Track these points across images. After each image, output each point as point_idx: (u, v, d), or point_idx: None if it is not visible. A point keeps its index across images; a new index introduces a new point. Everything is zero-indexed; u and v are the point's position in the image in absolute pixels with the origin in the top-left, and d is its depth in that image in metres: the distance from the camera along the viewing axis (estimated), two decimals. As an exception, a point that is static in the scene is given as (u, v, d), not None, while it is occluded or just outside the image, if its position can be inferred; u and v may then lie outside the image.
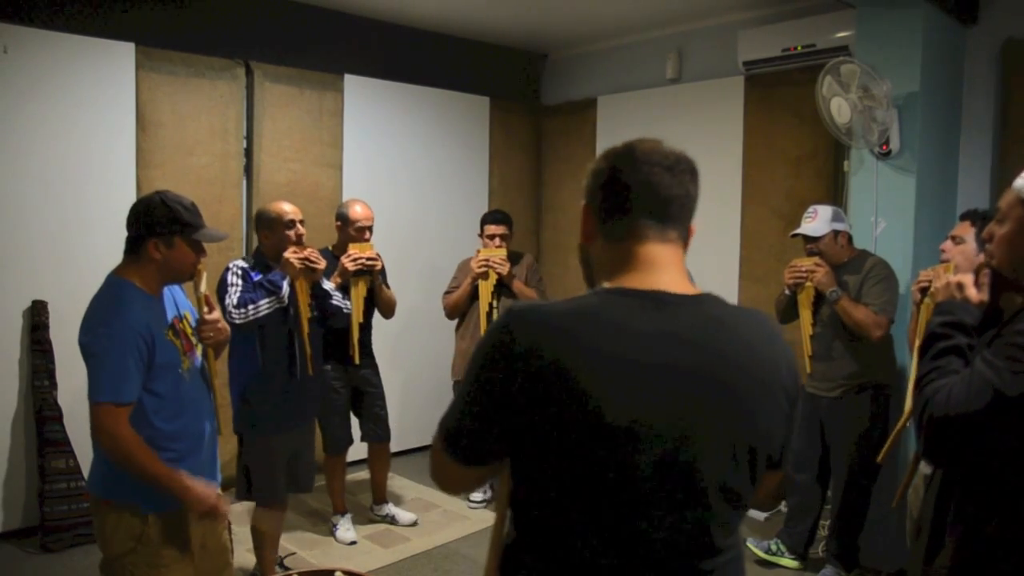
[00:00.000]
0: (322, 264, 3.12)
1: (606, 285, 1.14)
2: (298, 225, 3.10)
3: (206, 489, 2.05)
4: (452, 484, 1.22)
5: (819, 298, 3.31)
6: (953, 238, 2.78)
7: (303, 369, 3.12)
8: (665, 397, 1.04)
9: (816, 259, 3.27)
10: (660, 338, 1.06)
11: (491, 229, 4.04)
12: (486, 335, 1.10)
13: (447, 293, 4.13)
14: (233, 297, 2.97)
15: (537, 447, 1.05)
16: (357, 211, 3.64)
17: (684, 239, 1.18)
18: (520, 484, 1.11)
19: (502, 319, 1.09)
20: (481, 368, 1.08)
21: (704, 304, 1.12)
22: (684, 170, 1.16)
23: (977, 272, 1.52)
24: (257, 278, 3.03)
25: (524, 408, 1.04)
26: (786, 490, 3.67)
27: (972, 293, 1.49)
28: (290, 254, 3.02)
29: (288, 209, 3.11)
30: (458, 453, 1.12)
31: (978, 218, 2.73)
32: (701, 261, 4.18)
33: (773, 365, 1.12)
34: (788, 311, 3.47)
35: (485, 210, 4.61)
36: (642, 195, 1.14)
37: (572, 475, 1.04)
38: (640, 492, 1.04)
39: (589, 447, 1.03)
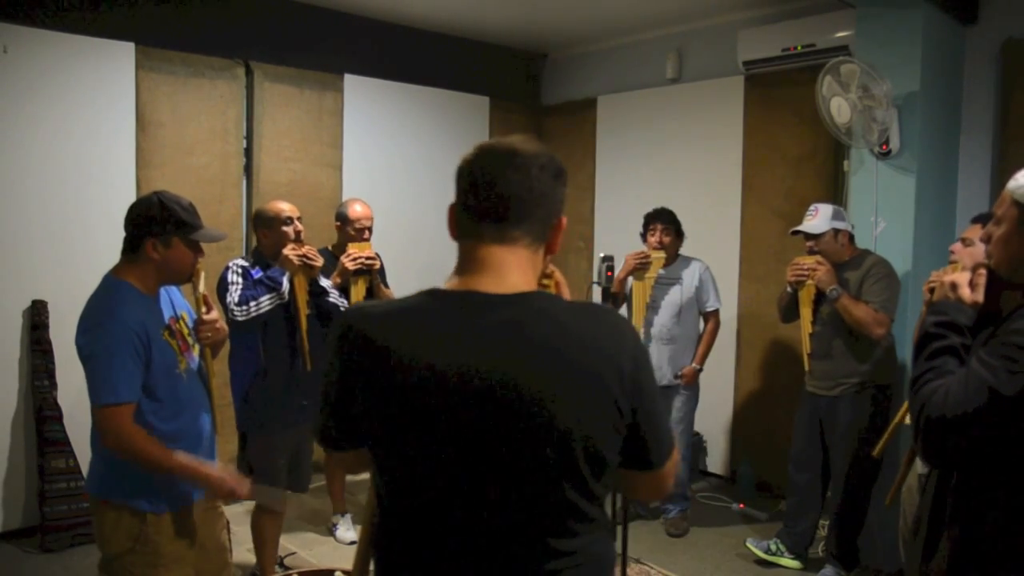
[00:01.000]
0: (319, 260, 3.16)
1: (435, 286, 1.16)
2: (296, 222, 3.13)
3: (221, 474, 2.07)
4: (341, 467, 1.34)
5: (820, 297, 3.31)
6: (963, 240, 2.81)
7: (303, 365, 3.13)
8: (460, 394, 1.06)
9: (818, 257, 3.28)
10: (456, 338, 1.08)
11: None
12: None
13: None
14: (235, 295, 2.98)
15: (365, 431, 1.13)
16: (357, 210, 3.64)
17: (536, 237, 1.16)
18: (375, 467, 1.17)
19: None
20: (327, 366, 1.18)
21: (518, 304, 1.10)
22: (533, 166, 1.13)
23: (972, 272, 1.52)
24: (257, 275, 3.05)
25: (349, 391, 1.12)
26: (786, 490, 3.68)
27: (965, 293, 1.50)
28: (289, 251, 3.05)
29: (285, 207, 3.15)
30: (319, 441, 1.23)
31: (988, 221, 2.74)
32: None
33: (591, 368, 1.08)
34: (789, 310, 3.47)
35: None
36: (481, 193, 1.14)
37: (399, 459, 1.11)
38: (456, 483, 1.07)
39: (403, 436, 1.09)
